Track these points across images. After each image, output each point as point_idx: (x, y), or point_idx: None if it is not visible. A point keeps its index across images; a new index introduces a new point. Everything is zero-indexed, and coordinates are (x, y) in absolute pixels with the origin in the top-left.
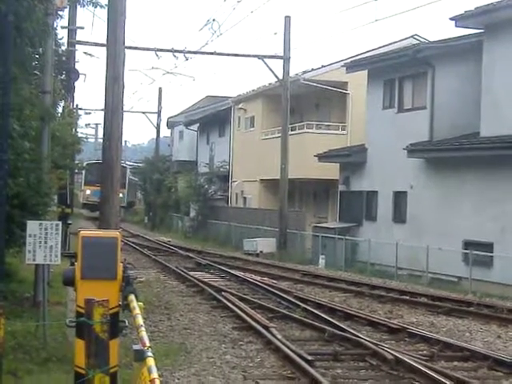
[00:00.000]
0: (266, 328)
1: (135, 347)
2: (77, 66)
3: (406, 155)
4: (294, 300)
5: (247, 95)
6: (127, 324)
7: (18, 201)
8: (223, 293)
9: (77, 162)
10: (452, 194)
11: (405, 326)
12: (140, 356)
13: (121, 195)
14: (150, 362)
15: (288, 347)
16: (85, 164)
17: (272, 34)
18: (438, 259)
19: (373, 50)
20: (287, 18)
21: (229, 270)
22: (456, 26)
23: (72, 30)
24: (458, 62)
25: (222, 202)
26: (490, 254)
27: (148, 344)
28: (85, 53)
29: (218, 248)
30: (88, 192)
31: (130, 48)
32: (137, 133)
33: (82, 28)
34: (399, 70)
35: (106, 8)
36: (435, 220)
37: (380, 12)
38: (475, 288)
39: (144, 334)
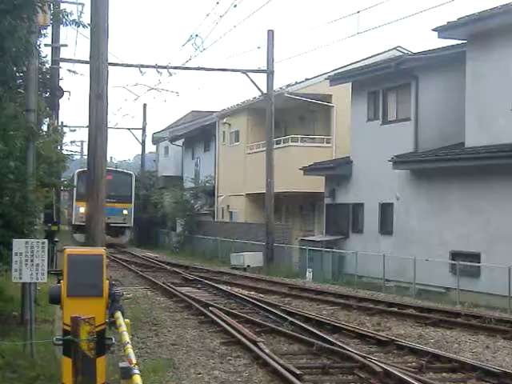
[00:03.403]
0: (254, 342)
1: (122, 364)
2: (61, 84)
3: (392, 167)
4: (281, 314)
5: (232, 110)
6: (114, 341)
7: (3, 220)
8: (211, 308)
9: (63, 179)
10: (438, 205)
11: (393, 338)
12: (126, 373)
13: (125, 212)
14: (137, 379)
15: (276, 361)
16: (76, 172)
17: (255, 48)
18: (426, 270)
19: (356, 62)
20: (270, 32)
21: (216, 285)
22: (439, 37)
23: (56, 48)
24: (442, 72)
25: (208, 217)
26: (477, 265)
27: (134, 361)
28: (69, 70)
29: (205, 263)
30: (81, 210)
31: (114, 64)
32: (122, 149)
33: (65, 46)
34: (383, 81)
35: (89, 27)
36: (422, 231)
37: (362, 25)
38: (463, 298)
39: (130, 351)
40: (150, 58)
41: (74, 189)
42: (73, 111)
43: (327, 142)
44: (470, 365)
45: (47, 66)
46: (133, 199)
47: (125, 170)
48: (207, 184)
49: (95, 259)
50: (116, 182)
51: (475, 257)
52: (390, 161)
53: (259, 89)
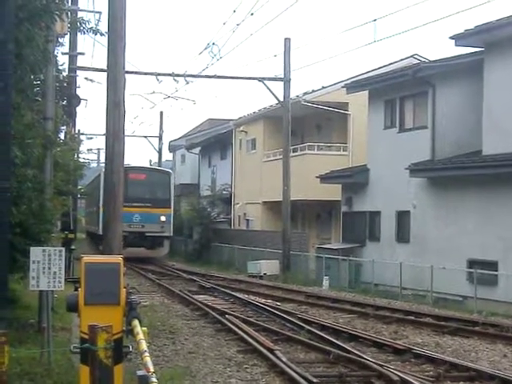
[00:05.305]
0: (271, 351)
1: (139, 373)
2: (78, 92)
3: (408, 175)
4: (298, 322)
5: (248, 118)
6: (131, 349)
7: (20, 228)
8: (227, 316)
9: (79, 187)
10: (455, 213)
11: (410, 346)
12: (144, 382)
13: (163, 218)
14: None
15: (293, 370)
16: (102, 172)
17: (272, 55)
18: (443, 278)
19: (373, 70)
20: (287, 40)
21: (233, 293)
22: (456, 44)
23: (73, 56)
24: (459, 80)
25: (224, 225)
26: (495, 273)
27: (152, 369)
28: (86, 78)
29: (222, 271)
30: None
31: (131, 73)
32: (139, 157)
33: (82, 54)
34: (400, 89)
35: (106, 35)
36: (439, 239)
37: (379, 33)
38: (480, 307)
39: (148, 360)
40: (166, 66)
41: (101, 192)
42: (90, 119)
43: (344, 150)
44: (488, 374)
45: (64, 74)
46: (172, 203)
47: (162, 168)
48: (224, 192)
49: (112, 267)
50: (151, 183)
51: (492, 265)
52: (406, 169)
53: (276, 97)
